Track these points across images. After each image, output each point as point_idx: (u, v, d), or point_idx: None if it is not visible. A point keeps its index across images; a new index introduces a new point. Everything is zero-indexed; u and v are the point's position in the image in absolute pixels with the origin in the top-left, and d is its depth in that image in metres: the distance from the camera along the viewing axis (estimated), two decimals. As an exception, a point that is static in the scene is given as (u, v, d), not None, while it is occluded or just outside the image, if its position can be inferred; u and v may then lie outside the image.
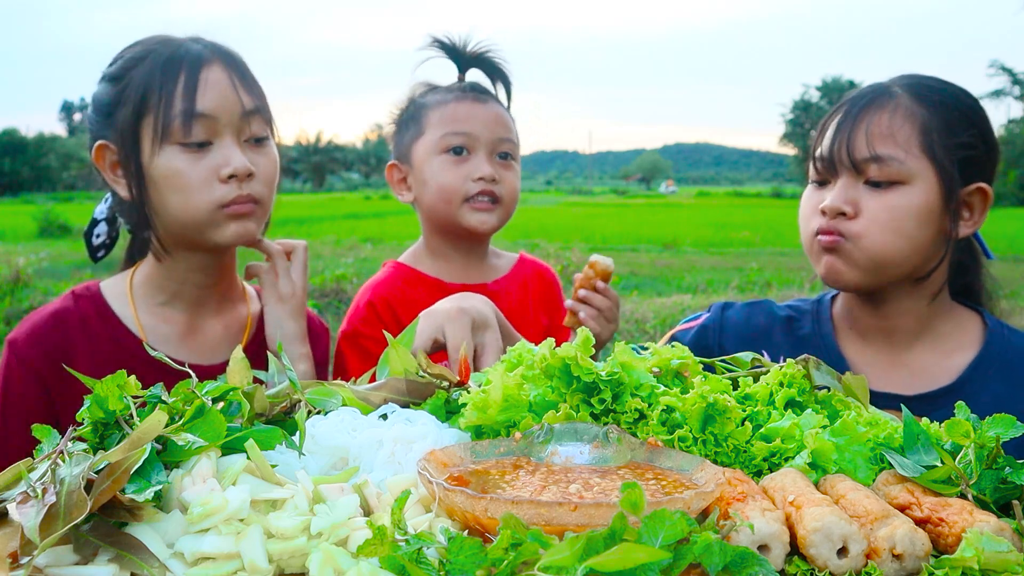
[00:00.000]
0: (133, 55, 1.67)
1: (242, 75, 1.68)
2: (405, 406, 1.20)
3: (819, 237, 1.67)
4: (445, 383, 1.24)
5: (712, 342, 1.82)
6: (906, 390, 1.70)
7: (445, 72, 2.21)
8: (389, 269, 2.21)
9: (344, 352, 2.09)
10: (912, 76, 1.72)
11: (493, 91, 2.20)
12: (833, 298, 1.84)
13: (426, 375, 1.24)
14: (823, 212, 1.66)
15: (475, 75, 2.21)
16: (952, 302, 1.77)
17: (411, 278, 2.17)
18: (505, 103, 2.20)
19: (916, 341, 1.74)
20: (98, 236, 1.84)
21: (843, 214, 1.63)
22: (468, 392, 1.12)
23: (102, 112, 1.68)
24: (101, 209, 1.83)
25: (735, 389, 1.19)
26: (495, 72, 2.19)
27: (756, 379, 1.25)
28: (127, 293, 1.72)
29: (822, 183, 1.71)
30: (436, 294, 2.13)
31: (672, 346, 1.26)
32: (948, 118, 1.64)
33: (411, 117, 2.18)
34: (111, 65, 1.69)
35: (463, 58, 2.18)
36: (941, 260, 1.69)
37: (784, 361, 1.22)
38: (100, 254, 1.85)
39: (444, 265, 2.19)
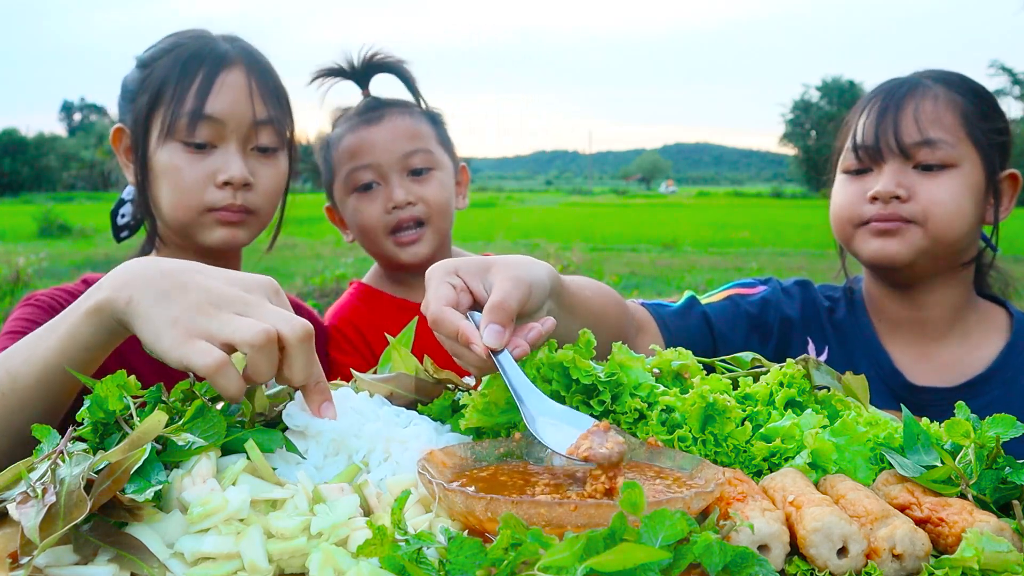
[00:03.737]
0: (164, 45, 1.69)
1: (263, 83, 1.67)
2: (412, 403, 1.20)
3: (873, 224, 1.68)
4: (452, 386, 1.23)
5: (772, 319, 1.80)
6: (937, 382, 1.73)
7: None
8: (352, 291, 2.15)
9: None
10: (935, 71, 1.75)
11: (404, 95, 2.09)
12: (860, 287, 1.86)
13: (433, 379, 1.23)
14: (873, 199, 1.67)
15: (384, 82, 2.10)
16: (976, 295, 1.80)
17: (375, 300, 2.10)
18: (422, 102, 2.08)
19: (947, 333, 1.76)
20: (123, 216, 1.84)
21: (897, 198, 1.65)
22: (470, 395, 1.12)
23: (126, 97, 1.71)
24: (129, 189, 1.83)
25: (735, 389, 1.19)
26: (395, 73, 2.08)
27: (756, 379, 1.25)
28: None
29: (860, 172, 1.72)
30: (403, 315, 2.08)
31: (676, 350, 1.26)
32: (982, 107, 1.69)
33: (324, 155, 2.09)
34: (145, 51, 1.71)
35: (354, 74, 2.08)
36: (986, 246, 1.75)
37: (827, 349, 1.23)
38: (124, 234, 1.85)
39: (407, 288, 2.10)
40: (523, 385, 1.02)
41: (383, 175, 1.98)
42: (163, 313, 1.00)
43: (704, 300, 1.78)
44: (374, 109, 2.03)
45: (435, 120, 2.09)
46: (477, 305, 1.10)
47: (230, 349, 0.98)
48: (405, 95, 2.10)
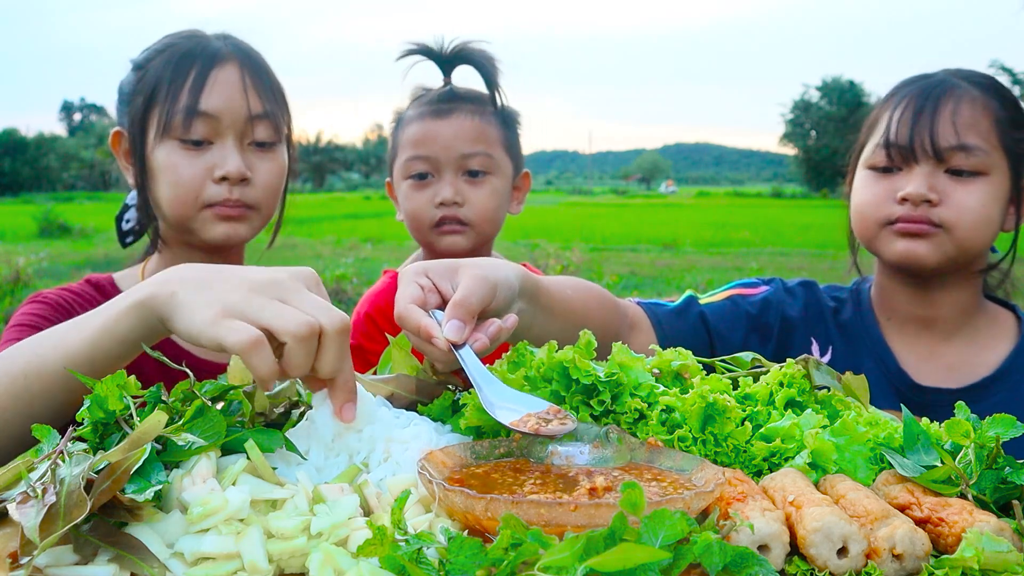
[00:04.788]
0: (158, 46, 1.69)
1: (257, 78, 1.68)
2: (412, 404, 1.20)
3: (900, 224, 1.66)
4: (452, 386, 1.23)
5: (773, 319, 1.78)
6: (943, 383, 1.72)
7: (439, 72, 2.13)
8: (386, 280, 2.17)
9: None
10: (965, 71, 1.74)
11: (485, 91, 2.08)
12: (868, 287, 1.85)
13: (434, 379, 1.23)
14: (903, 200, 1.65)
15: (466, 73, 2.09)
16: (984, 298, 1.80)
17: None
18: (498, 100, 2.07)
19: (955, 334, 1.76)
20: (127, 221, 1.84)
21: (928, 201, 1.63)
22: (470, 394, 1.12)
23: (123, 100, 1.71)
24: (133, 194, 1.83)
25: (735, 389, 1.19)
26: (477, 67, 2.07)
27: (756, 379, 1.25)
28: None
29: (887, 170, 1.70)
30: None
31: (676, 350, 1.26)
32: (1012, 112, 1.68)
33: (393, 132, 2.12)
34: (140, 54, 1.71)
35: (443, 60, 2.08)
36: (1009, 252, 1.74)
37: (831, 349, 1.22)
38: (129, 239, 1.85)
39: None
40: (483, 375, 1.07)
41: (438, 170, 2.01)
42: (200, 298, 1.02)
43: (705, 300, 1.77)
44: (447, 101, 2.04)
45: (507, 122, 2.09)
46: (446, 304, 1.14)
47: (268, 335, 0.98)
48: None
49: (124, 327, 1.08)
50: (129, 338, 1.09)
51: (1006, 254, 1.76)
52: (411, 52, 2.07)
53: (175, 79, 1.61)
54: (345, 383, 1.04)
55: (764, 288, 1.83)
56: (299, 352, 0.98)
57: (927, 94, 1.67)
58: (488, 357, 1.21)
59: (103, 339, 1.08)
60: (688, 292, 1.79)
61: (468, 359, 1.09)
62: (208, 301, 1.01)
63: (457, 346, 1.09)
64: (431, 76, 2.13)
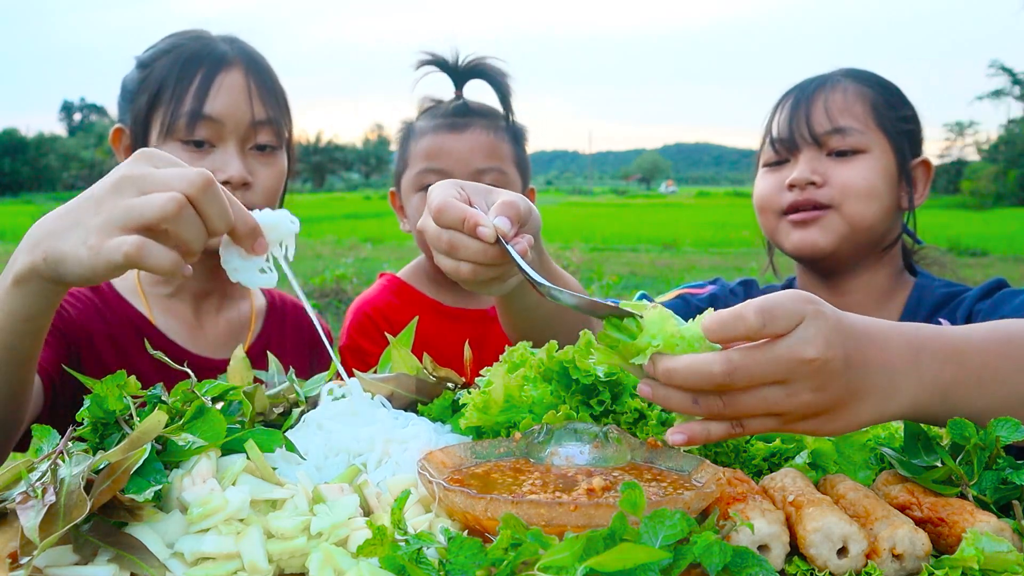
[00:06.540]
0: (164, 46, 1.69)
1: (261, 83, 1.68)
2: (412, 403, 1.20)
3: (790, 216, 1.74)
4: (451, 384, 1.24)
5: None
6: None
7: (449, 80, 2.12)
8: (383, 282, 2.17)
9: (347, 365, 2.08)
10: (847, 68, 1.85)
11: (494, 104, 2.09)
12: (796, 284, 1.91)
13: (433, 377, 1.24)
14: (790, 187, 1.73)
15: (476, 85, 2.11)
16: (908, 279, 1.83)
17: (405, 293, 2.12)
18: (507, 114, 2.09)
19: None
20: None
21: (813, 184, 1.72)
22: (470, 393, 1.12)
23: (126, 97, 1.71)
24: None
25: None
26: (491, 83, 2.09)
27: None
28: (136, 285, 1.73)
29: (779, 163, 1.79)
30: (431, 314, 2.10)
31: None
32: (889, 97, 1.78)
33: (402, 143, 2.12)
34: (145, 52, 1.71)
35: (457, 72, 2.09)
36: (903, 231, 1.80)
37: None
38: None
39: (442, 289, 2.12)
40: (531, 271, 1.05)
41: None
42: (72, 240, 0.99)
43: (657, 300, 1.83)
44: (461, 115, 2.05)
45: (517, 138, 2.10)
46: None
47: (151, 235, 0.97)
48: (496, 100, 2.11)
49: (20, 305, 1.05)
50: (31, 312, 1.06)
51: (902, 232, 1.80)
52: (425, 63, 2.08)
53: (181, 81, 1.62)
54: (244, 224, 1.02)
55: (710, 287, 1.91)
56: (183, 229, 0.97)
57: (803, 90, 1.79)
58: (486, 357, 1.22)
59: (6, 323, 1.06)
60: (640, 292, 1.84)
61: (514, 255, 1.08)
62: (81, 239, 0.98)
63: (504, 240, 1.09)
64: (439, 85, 2.12)
